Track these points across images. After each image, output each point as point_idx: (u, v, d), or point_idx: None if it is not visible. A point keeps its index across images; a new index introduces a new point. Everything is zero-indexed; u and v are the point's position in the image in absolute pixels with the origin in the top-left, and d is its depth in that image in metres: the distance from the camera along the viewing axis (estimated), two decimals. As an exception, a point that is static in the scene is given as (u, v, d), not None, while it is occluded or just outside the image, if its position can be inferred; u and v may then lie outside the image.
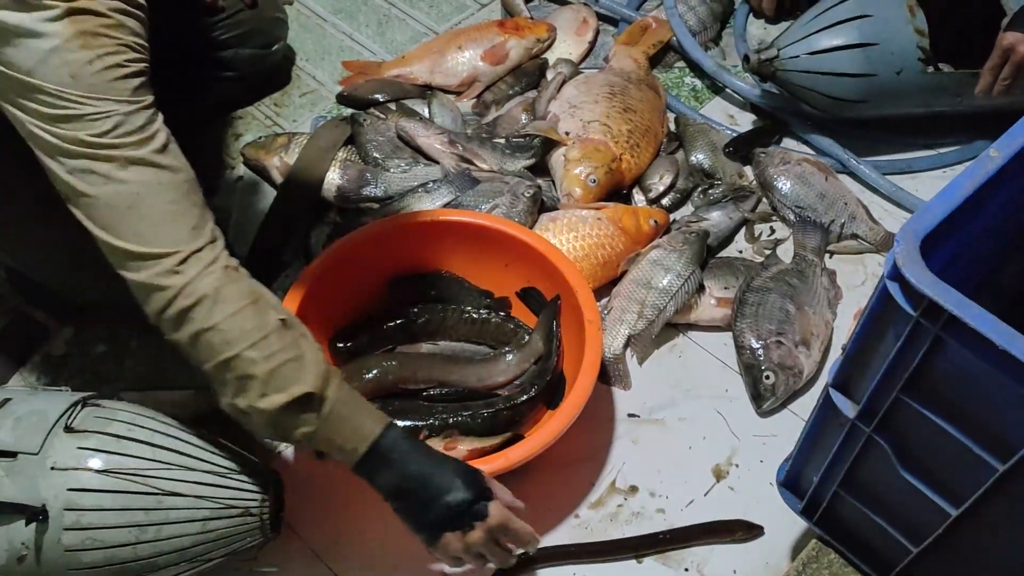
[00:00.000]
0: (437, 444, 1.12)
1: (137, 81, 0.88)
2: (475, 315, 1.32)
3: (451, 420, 1.19)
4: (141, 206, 0.87)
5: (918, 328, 0.77)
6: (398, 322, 1.30)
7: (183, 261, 0.88)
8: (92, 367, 1.33)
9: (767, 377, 1.28)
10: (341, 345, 1.26)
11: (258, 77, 1.66)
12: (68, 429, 1.01)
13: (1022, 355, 0.70)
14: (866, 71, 1.46)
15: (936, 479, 0.86)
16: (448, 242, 1.33)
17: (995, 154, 0.82)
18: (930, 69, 1.46)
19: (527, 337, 1.29)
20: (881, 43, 1.45)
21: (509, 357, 1.27)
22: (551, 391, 1.24)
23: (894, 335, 0.80)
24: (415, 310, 1.31)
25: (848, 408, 0.90)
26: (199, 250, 0.90)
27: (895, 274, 0.77)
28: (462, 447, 1.14)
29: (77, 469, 0.99)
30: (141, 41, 0.89)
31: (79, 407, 1.04)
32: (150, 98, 0.89)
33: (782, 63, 1.51)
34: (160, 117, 0.90)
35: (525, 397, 1.20)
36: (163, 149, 0.89)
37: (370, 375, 1.22)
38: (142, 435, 1.03)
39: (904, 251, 0.75)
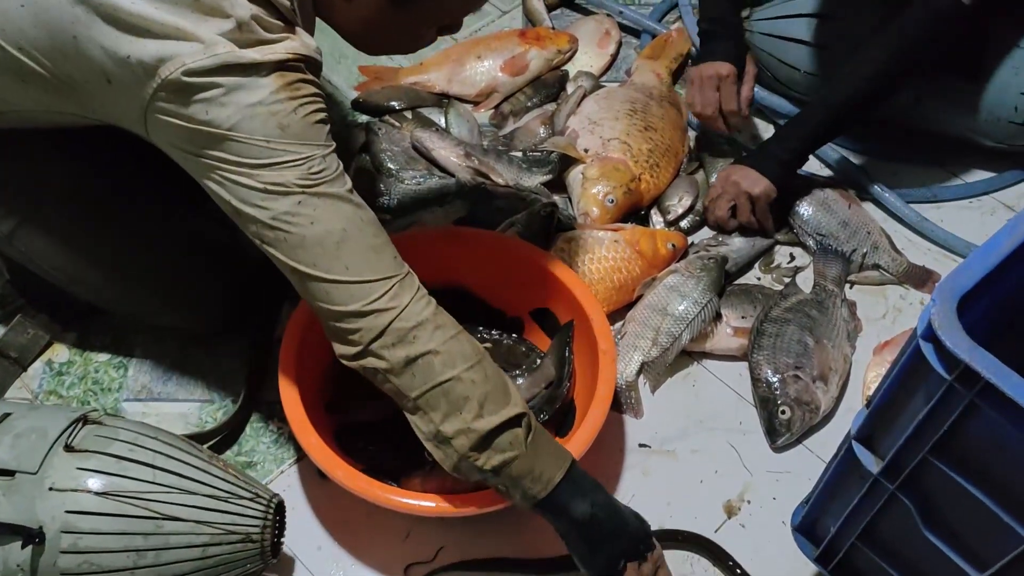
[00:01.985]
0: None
1: (328, 127, 0.92)
2: (486, 335, 1.30)
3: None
4: (349, 241, 0.91)
5: (951, 392, 0.74)
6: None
7: (396, 286, 0.93)
8: (94, 375, 1.31)
9: (783, 412, 1.25)
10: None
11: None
12: (68, 448, 0.99)
13: (1062, 427, 0.67)
14: (818, 41, 1.50)
15: (961, 542, 0.83)
16: (461, 257, 1.30)
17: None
18: None
19: (539, 361, 1.26)
20: (838, 17, 1.49)
21: (520, 381, 1.24)
22: (560, 418, 1.22)
23: (925, 396, 0.77)
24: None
25: (871, 463, 0.87)
26: (405, 276, 0.94)
27: (929, 334, 0.74)
28: None
29: (76, 491, 0.97)
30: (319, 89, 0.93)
31: (80, 425, 1.02)
32: (334, 143, 0.93)
33: (751, 24, 1.58)
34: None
35: None
36: (353, 189, 0.93)
37: (377, 403, 1.19)
38: (143, 456, 1.01)
39: (940, 312, 0.72)
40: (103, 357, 1.33)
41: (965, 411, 0.74)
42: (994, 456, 0.76)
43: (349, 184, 0.93)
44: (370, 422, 1.20)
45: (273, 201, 0.88)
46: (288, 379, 1.12)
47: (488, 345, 1.28)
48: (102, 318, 1.34)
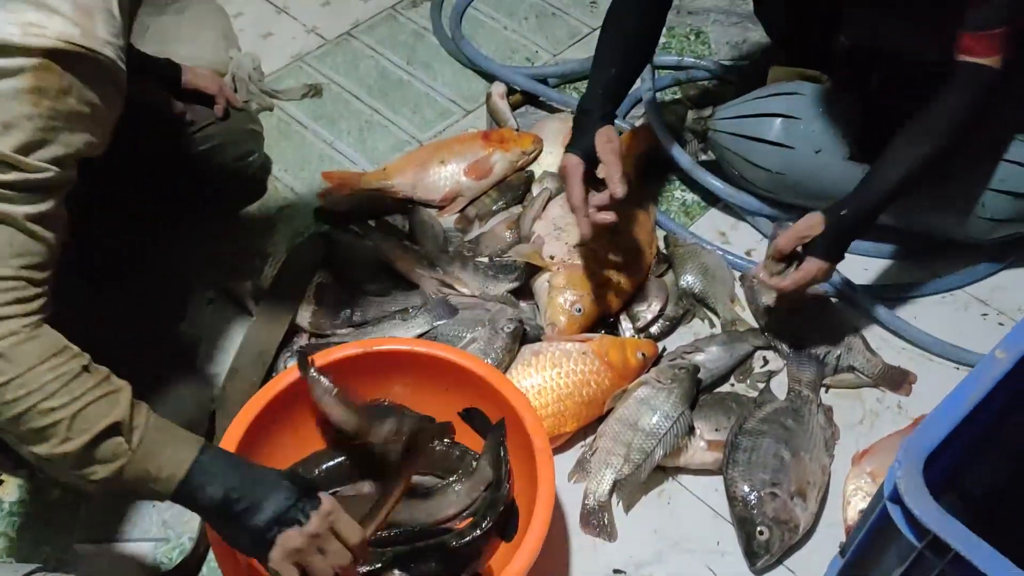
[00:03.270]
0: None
1: (59, 148, 0.88)
2: None
3: (404, 565, 1.11)
4: None
5: (922, 558, 0.70)
6: (337, 460, 1.22)
7: None
8: (45, 515, 1.26)
9: (761, 533, 1.20)
10: None
11: (233, 191, 1.61)
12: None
13: (1038, 605, 0.63)
14: (784, 141, 1.48)
15: None
16: (383, 371, 1.26)
17: (1001, 355, 0.75)
18: (850, 160, 1.45)
19: (475, 463, 1.21)
20: (804, 119, 1.48)
21: (458, 487, 1.19)
22: (504, 521, 1.17)
23: (896, 558, 0.73)
24: (354, 444, 1.22)
25: (848, 616, 0.83)
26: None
27: (897, 497, 0.70)
28: None
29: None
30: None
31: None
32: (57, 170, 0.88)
33: (714, 122, 1.56)
34: None
35: (479, 532, 1.13)
36: (46, 216, 0.88)
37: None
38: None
39: (906, 476, 0.69)
40: (55, 495, 1.28)
41: (939, 576, 0.70)
42: (972, 620, 0.72)
43: (37, 211, 0.87)
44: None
45: None
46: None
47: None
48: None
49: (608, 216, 1.33)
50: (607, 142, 1.34)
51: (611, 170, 1.32)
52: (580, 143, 1.36)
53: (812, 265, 1.30)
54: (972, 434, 0.79)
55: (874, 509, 0.76)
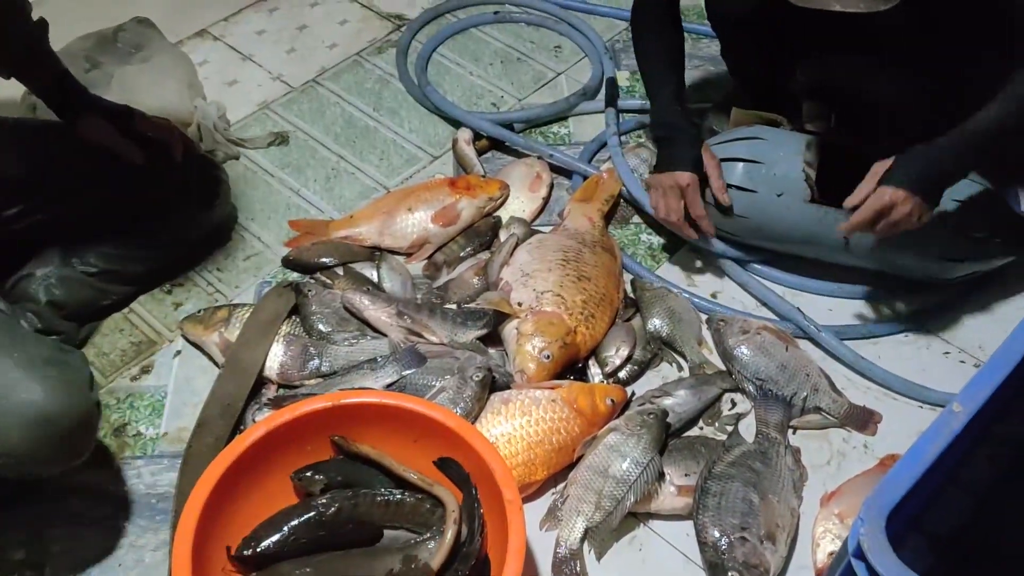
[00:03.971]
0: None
1: None
2: (388, 497, 1.24)
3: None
4: None
5: (889, 614, 0.71)
6: (306, 516, 1.20)
7: None
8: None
9: (732, 578, 1.21)
10: (248, 552, 1.15)
11: (198, 239, 1.61)
12: None
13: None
14: (747, 186, 1.51)
15: None
16: (353, 424, 1.26)
17: (959, 409, 0.77)
18: (811, 203, 1.48)
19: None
20: (767, 163, 1.51)
21: (431, 544, 1.19)
22: (477, 574, 1.16)
23: (863, 612, 0.74)
24: (323, 501, 1.21)
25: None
26: None
27: (860, 554, 0.71)
28: None
29: None
30: None
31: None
32: None
33: None
34: None
35: None
36: None
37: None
38: None
39: (869, 533, 0.69)
40: (19, 555, 1.25)
41: (905, 631, 0.71)
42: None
43: None
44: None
45: None
46: None
47: (391, 508, 1.23)
48: (15, 511, 1.27)
49: (711, 227, 1.54)
50: (711, 158, 1.51)
51: (720, 183, 1.50)
52: (687, 159, 1.51)
53: (884, 193, 1.31)
54: (934, 482, 0.80)
55: (841, 561, 0.77)
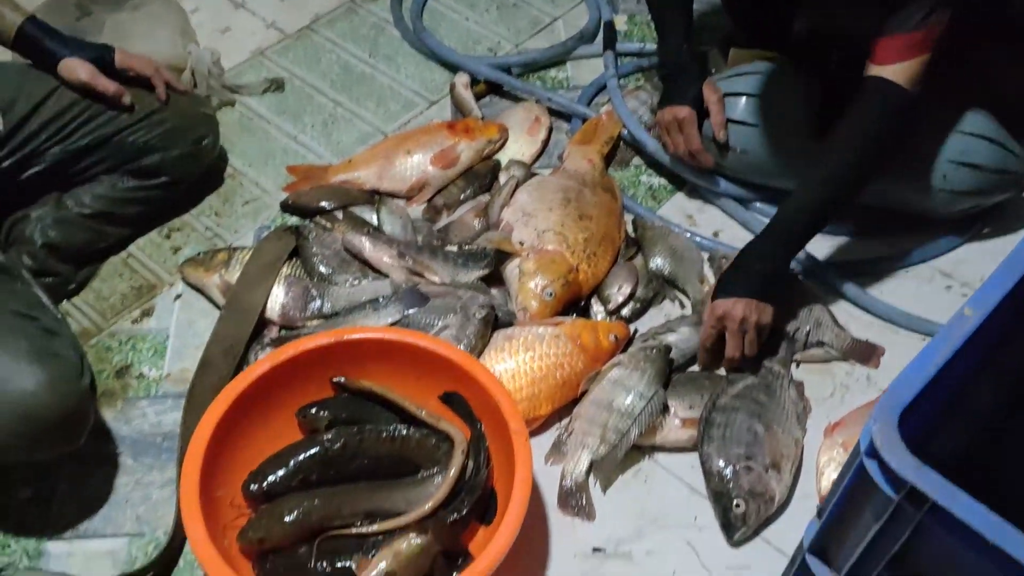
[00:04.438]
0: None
1: None
2: (394, 433, 1.24)
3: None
4: None
5: (900, 510, 0.71)
6: (312, 452, 1.20)
7: None
8: (17, 514, 1.23)
9: (737, 506, 1.21)
10: (254, 487, 1.16)
11: (191, 179, 1.59)
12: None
13: (1013, 550, 0.64)
14: (749, 120, 1.51)
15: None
16: (356, 361, 1.25)
17: (969, 312, 0.77)
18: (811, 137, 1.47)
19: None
20: (768, 97, 1.52)
21: (438, 479, 1.19)
22: (483, 506, 1.18)
23: (874, 512, 0.74)
24: (328, 437, 1.21)
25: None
26: None
27: (873, 451, 0.71)
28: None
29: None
30: None
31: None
32: None
33: None
34: None
35: (456, 515, 1.13)
36: None
37: (291, 518, 1.12)
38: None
39: (882, 431, 0.70)
40: (26, 493, 1.25)
41: (917, 528, 0.71)
42: (950, 571, 0.73)
43: None
44: (285, 549, 1.14)
45: None
46: (193, 516, 1.06)
47: (397, 443, 1.22)
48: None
49: (709, 159, 1.54)
50: (713, 92, 1.51)
51: (720, 119, 1.51)
52: (686, 95, 1.52)
53: (716, 308, 1.32)
54: (939, 399, 0.80)
55: (850, 468, 0.77)
